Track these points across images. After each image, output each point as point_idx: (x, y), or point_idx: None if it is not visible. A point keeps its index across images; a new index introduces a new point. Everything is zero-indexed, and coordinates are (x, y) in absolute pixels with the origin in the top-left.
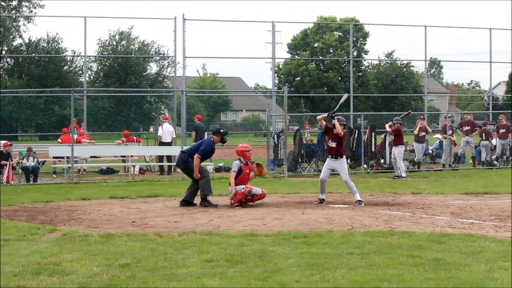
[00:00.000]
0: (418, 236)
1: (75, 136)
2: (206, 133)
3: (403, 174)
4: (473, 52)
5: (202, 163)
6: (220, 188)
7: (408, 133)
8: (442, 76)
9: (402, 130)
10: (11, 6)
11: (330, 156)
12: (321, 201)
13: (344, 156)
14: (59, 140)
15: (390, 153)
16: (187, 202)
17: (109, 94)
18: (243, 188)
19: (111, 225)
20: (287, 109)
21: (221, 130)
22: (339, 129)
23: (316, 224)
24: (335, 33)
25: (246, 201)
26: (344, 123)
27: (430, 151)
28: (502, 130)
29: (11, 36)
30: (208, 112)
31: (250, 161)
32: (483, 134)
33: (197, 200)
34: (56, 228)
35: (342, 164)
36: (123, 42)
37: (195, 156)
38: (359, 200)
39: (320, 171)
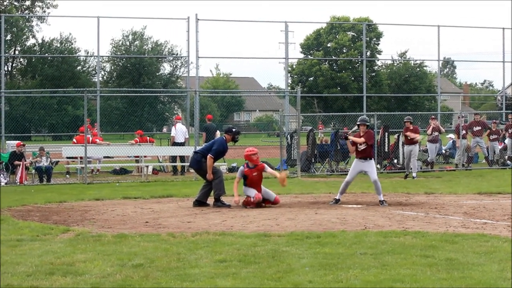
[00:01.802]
0: (431, 236)
1: (89, 137)
2: (218, 132)
3: (414, 174)
4: (486, 52)
5: (215, 163)
6: (233, 188)
7: (421, 133)
8: (455, 76)
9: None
10: (24, 6)
11: (358, 158)
12: (336, 201)
13: (373, 158)
14: (74, 140)
15: (403, 153)
16: (200, 203)
17: (123, 94)
18: (254, 195)
19: (125, 225)
20: (300, 109)
21: (233, 129)
22: (359, 141)
23: (329, 224)
24: (348, 33)
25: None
26: (367, 123)
27: (444, 151)
28: (510, 130)
29: (24, 36)
30: (221, 112)
31: (259, 163)
32: (490, 134)
33: (210, 200)
34: (69, 228)
35: (371, 165)
36: (137, 42)
37: (208, 157)
38: (382, 200)
39: (333, 171)
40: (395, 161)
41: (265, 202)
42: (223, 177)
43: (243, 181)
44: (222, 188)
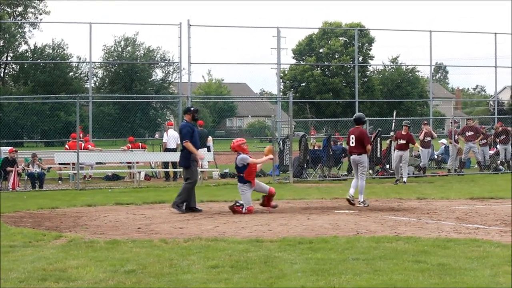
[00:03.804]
0: (423, 241)
1: (81, 143)
2: (210, 138)
3: (404, 179)
4: (479, 57)
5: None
6: (226, 194)
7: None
8: (447, 81)
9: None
10: (17, 12)
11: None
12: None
13: (363, 154)
14: (66, 146)
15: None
16: (191, 209)
17: (115, 100)
18: (246, 208)
19: (117, 231)
20: (292, 115)
21: (191, 108)
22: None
23: (322, 230)
24: (340, 38)
25: (267, 204)
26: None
27: (436, 156)
28: (502, 136)
29: (16, 42)
30: (213, 118)
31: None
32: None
33: (202, 206)
34: (61, 234)
35: (361, 160)
36: (129, 48)
37: (184, 144)
38: (363, 201)
39: (325, 176)
40: (387, 166)
41: (268, 201)
42: (194, 185)
43: (240, 176)
44: (188, 195)
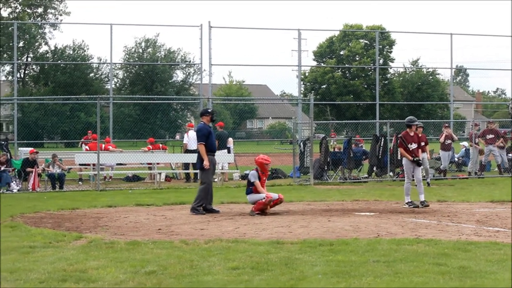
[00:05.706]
0: (444, 244)
1: (101, 144)
2: (231, 139)
3: (428, 180)
4: (499, 60)
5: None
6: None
7: (434, 141)
8: (468, 83)
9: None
10: (37, 13)
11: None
12: (410, 204)
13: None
14: (86, 147)
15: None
16: (207, 210)
17: (135, 101)
18: (264, 197)
19: (137, 232)
20: (313, 117)
21: (208, 110)
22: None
23: (342, 232)
24: (361, 40)
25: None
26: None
27: (456, 159)
28: None
29: (36, 43)
30: (234, 119)
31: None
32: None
33: (222, 207)
34: (82, 235)
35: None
36: (149, 49)
37: (198, 145)
38: (422, 201)
39: (346, 179)
40: None
41: (271, 203)
42: (211, 186)
43: (249, 188)
44: (205, 198)
